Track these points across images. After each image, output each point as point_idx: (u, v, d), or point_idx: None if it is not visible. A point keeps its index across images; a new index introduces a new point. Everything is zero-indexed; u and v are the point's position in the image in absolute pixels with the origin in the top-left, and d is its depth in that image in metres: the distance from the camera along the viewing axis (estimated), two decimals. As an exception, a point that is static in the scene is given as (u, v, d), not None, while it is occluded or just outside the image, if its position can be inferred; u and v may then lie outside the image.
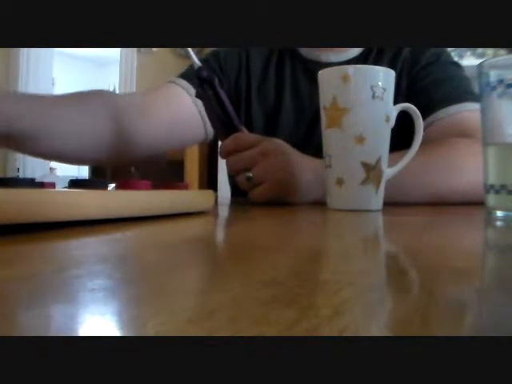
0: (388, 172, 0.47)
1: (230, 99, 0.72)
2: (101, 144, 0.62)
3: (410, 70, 0.72)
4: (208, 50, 0.81)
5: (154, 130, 0.67)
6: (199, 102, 0.69)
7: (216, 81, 0.57)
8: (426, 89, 0.70)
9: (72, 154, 0.61)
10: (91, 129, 0.60)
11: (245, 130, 0.59)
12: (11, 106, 0.51)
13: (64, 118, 0.57)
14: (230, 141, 0.55)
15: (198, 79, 0.57)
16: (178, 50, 3.17)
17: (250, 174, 0.53)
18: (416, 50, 0.73)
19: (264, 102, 0.77)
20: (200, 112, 0.70)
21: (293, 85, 0.76)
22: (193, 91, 0.68)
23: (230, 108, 0.58)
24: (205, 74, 0.57)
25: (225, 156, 0.56)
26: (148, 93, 0.72)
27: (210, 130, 0.73)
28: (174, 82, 0.72)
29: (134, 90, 3.87)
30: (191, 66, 0.73)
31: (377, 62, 0.71)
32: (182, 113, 0.70)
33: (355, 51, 0.75)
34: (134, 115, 0.65)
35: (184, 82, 0.71)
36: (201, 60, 0.77)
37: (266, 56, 0.78)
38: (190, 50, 0.58)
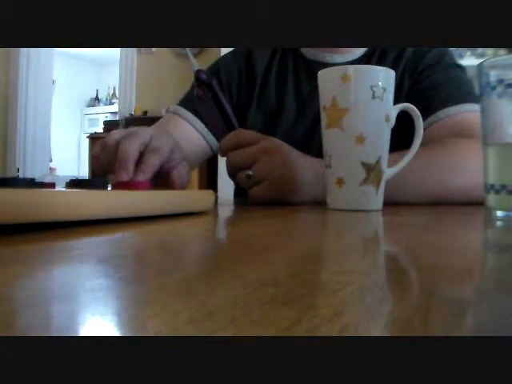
0: (388, 172, 0.47)
1: (230, 104, 0.73)
2: None
3: (413, 71, 0.72)
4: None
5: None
6: (200, 126, 0.74)
7: (215, 83, 0.57)
8: (428, 90, 0.70)
9: None
10: None
11: None
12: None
13: None
14: (230, 137, 0.55)
15: (197, 81, 0.57)
16: (178, 49, 3.17)
17: (250, 172, 0.53)
18: (419, 52, 0.73)
19: (265, 104, 0.77)
20: (205, 137, 0.75)
21: (295, 86, 0.76)
22: (196, 120, 0.74)
23: (229, 110, 0.58)
24: (204, 76, 0.57)
25: (224, 153, 0.55)
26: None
27: (215, 147, 0.77)
28: (177, 113, 0.75)
29: (134, 90, 3.88)
30: (190, 90, 0.77)
31: (380, 63, 0.71)
32: (190, 146, 0.73)
33: (359, 52, 0.75)
34: None
35: (187, 114, 0.75)
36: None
37: (268, 58, 0.78)
38: (189, 52, 0.58)
